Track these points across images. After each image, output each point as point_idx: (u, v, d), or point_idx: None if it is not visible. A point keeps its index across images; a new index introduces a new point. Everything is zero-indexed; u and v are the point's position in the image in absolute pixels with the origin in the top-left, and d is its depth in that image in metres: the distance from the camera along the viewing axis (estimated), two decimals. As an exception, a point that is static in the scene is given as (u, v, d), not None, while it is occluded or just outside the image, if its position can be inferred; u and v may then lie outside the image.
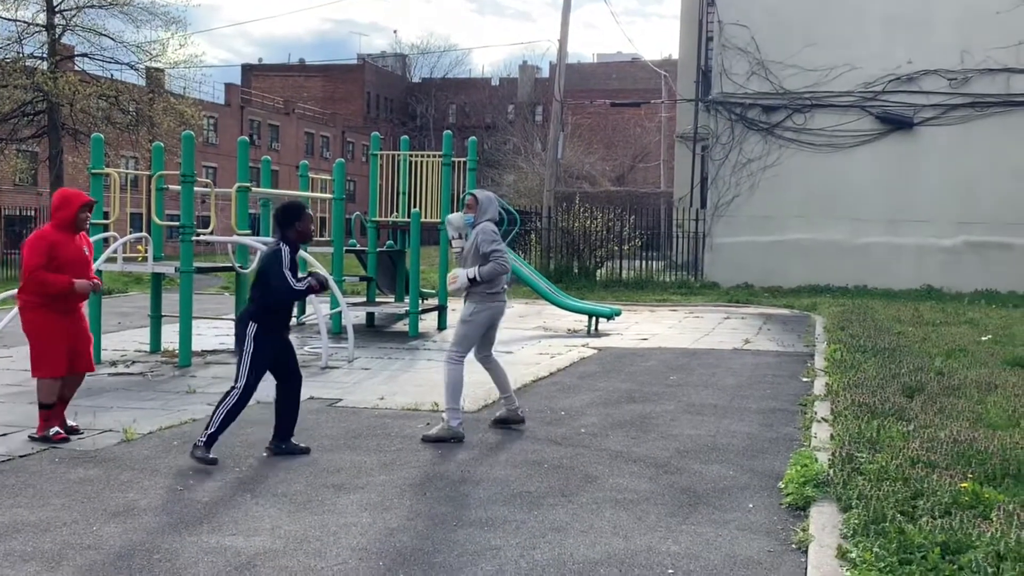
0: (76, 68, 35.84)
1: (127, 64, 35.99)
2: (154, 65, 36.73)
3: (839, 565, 4.68)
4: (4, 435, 7.59)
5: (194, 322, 12.03)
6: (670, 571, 4.79)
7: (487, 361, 8.20)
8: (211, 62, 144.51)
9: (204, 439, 6.68)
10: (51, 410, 7.43)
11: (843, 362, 10.65)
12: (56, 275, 7.29)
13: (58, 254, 7.31)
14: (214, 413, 6.75)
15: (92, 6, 34.92)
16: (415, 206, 15.68)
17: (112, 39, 35.39)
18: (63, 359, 7.46)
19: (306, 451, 7.10)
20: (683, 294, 22.96)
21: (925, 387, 8.89)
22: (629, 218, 26.93)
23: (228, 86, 66.95)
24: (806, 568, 4.77)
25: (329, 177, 16.24)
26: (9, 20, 33.96)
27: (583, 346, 13.62)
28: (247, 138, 14.09)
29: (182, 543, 5.14)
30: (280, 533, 5.32)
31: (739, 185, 24.48)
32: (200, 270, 13.04)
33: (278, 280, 6.71)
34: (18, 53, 33.69)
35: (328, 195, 16.00)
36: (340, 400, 9.24)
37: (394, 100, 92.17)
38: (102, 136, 12.97)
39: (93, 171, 12.33)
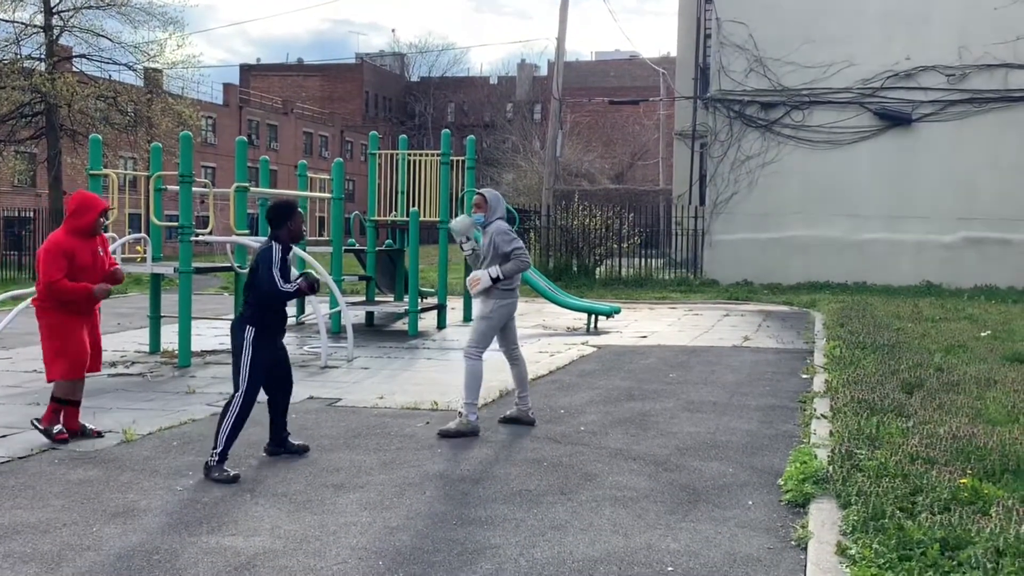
0: (74, 69, 35.80)
1: (125, 65, 36.00)
2: (152, 66, 36.72)
3: (839, 562, 4.68)
4: (4, 436, 7.59)
5: (193, 322, 12.03)
6: (670, 569, 4.79)
7: (513, 355, 8.22)
8: (209, 62, 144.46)
9: (216, 458, 6.43)
10: (63, 406, 7.43)
11: (842, 359, 10.65)
12: (75, 284, 7.29)
13: (75, 260, 7.32)
14: (219, 429, 6.50)
15: (89, 7, 34.90)
16: (414, 205, 15.68)
17: (110, 40, 35.39)
18: (85, 360, 7.47)
19: (305, 449, 7.08)
20: (682, 291, 22.96)
21: (924, 383, 8.89)
22: (628, 216, 26.91)
23: (226, 86, 66.94)
24: (806, 565, 4.77)
25: (328, 177, 16.24)
26: (7, 21, 33.95)
27: (582, 344, 13.63)
28: (245, 138, 14.09)
29: (182, 544, 5.14)
30: (280, 533, 5.32)
31: (738, 182, 24.47)
32: (199, 270, 13.04)
33: (267, 280, 6.56)
34: (16, 54, 33.66)
35: (327, 195, 16.00)
36: (340, 399, 9.24)
37: (392, 99, 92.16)
38: (100, 137, 12.97)
39: (91, 172, 12.33)
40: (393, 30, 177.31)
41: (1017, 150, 22.97)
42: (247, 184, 12.94)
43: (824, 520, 5.29)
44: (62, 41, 35.45)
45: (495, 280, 7.78)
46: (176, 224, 12.14)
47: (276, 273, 6.58)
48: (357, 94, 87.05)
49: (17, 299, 12.37)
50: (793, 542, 5.14)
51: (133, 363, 11.62)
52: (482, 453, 7.14)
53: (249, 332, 6.64)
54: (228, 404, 6.63)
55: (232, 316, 13.09)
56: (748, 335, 14.76)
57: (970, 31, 23.10)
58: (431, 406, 8.85)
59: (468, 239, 8.10)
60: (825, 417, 7.88)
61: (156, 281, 12.93)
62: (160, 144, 13.84)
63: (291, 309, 17.36)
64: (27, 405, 8.92)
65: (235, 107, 65.90)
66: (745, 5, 24.23)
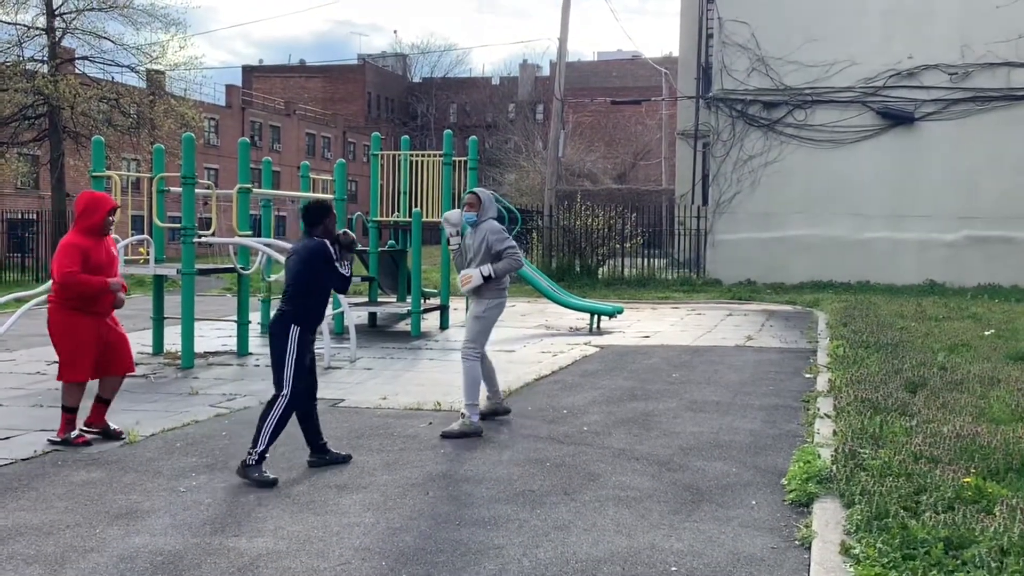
0: (76, 71, 35.83)
1: (127, 66, 36.03)
2: (154, 67, 36.73)
3: (842, 561, 4.67)
4: (7, 438, 7.60)
5: (196, 324, 12.04)
6: (673, 569, 4.79)
7: (483, 356, 8.22)
8: (211, 64, 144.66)
9: (255, 458, 6.32)
10: (74, 414, 7.42)
11: (846, 358, 10.64)
12: (91, 276, 7.28)
13: (89, 259, 7.32)
14: (261, 428, 6.41)
15: (92, 9, 34.93)
16: (416, 206, 15.68)
17: (112, 42, 35.42)
18: (89, 364, 7.44)
19: (348, 458, 6.90)
20: (685, 291, 22.95)
21: (928, 382, 8.88)
22: (631, 216, 26.91)
23: (229, 87, 67.01)
24: (809, 564, 4.76)
25: (330, 178, 16.24)
26: (9, 24, 34.00)
27: (585, 344, 13.62)
28: (248, 139, 14.09)
29: (185, 545, 5.14)
30: (283, 534, 5.32)
31: (741, 182, 24.46)
32: (202, 272, 13.05)
33: (336, 277, 6.67)
34: (18, 56, 33.70)
35: (330, 196, 15.99)
36: (343, 400, 9.24)
37: (395, 100, 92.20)
38: (103, 139, 12.98)
39: (94, 174, 12.34)
40: (395, 31, 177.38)
41: (1020, 148, 22.93)
42: (250, 185, 12.94)
43: (828, 519, 5.28)
44: (64, 43, 35.49)
45: (487, 278, 7.82)
46: (179, 226, 12.14)
47: (339, 265, 6.67)
48: (359, 95, 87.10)
49: (21, 300, 12.39)
50: (797, 542, 5.13)
51: (136, 364, 11.61)
52: (485, 454, 7.14)
53: (294, 331, 6.60)
54: (272, 404, 6.54)
55: (235, 318, 13.10)
56: (751, 335, 14.75)
57: (972, 30, 23.07)
58: (434, 407, 8.85)
59: (456, 233, 8.11)
60: (828, 416, 7.87)
61: (159, 282, 12.94)
62: (163, 146, 13.85)
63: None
64: (31, 407, 8.94)
65: (238, 108, 65.94)
66: (747, 4, 24.23)
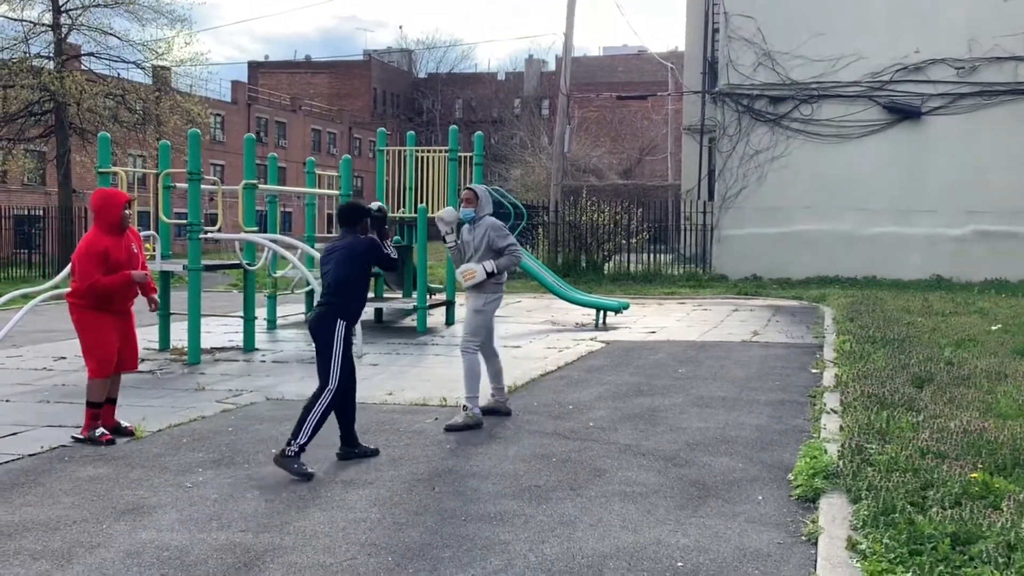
0: (82, 67, 35.87)
1: (133, 63, 36.04)
2: (160, 63, 36.77)
3: (849, 557, 4.66)
4: (13, 434, 7.62)
5: (203, 320, 12.05)
6: (679, 564, 4.78)
7: (491, 350, 8.32)
8: (217, 60, 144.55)
9: (295, 449, 6.36)
10: (100, 409, 7.45)
11: (852, 353, 10.62)
12: (113, 276, 7.31)
13: (109, 258, 7.35)
14: (304, 421, 6.44)
15: (98, 5, 34.95)
16: (422, 201, 15.68)
17: (118, 38, 35.45)
18: (113, 359, 7.48)
19: (376, 452, 6.97)
20: (691, 287, 22.92)
21: (935, 377, 8.86)
22: (636, 211, 26.89)
23: (235, 83, 67.02)
24: (816, 560, 4.75)
25: (336, 173, 16.24)
26: (15, 20, 34.04)
27: (591, 340, 13.61)
28: (254, 135, 14.10)
29: (192, 540, 5.15)
30: (289, 529, 5.33)
31: (747, 177, 24.42)
32: (208, 268, 13.06)
33: (388, 259, 6.87)
34: (25, 53, 33.74)
35: (335, 191, 16.00)
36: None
37: (400, 96, 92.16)
38: (109, 135, 13.00)
39: (100, 170, 12.36)
40: (400, 26, 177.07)
41: (1027, 143, 22.86)
42: (255, 181, 12.95)
43: (834, 515, 5.27)
44: (70, 39, 35.51)
45: (490, 275, 7.89)
46: (185, 222, 12.16)
47: (388, 250, 6.88)
48: (365, 91, 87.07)
49: (27, 297, 12.42)
50: (803, 537, 5.12)
51: (143, 360, 11.61)
52: (491, 449, 7.14)
53: (340, 325, 6.68)
54: (316, 398, 6.59)
55: (241, 313, 13.12)
56: (757, 330, 14.73)
57: (979, 24, 23.00)
58: (440, 402, 8.85)
59: (452, 231, 8.14)
60: (835, 412, 7.86)
61: (165, 278, 12.96)
62: (168, 142, 13.86)
63: (300, 306, 17.39)
64: (37, 403, 8.96)
65: (243, 104, 65.98)
66: (753, -1, 24.17)
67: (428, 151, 16.27)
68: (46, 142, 36.94)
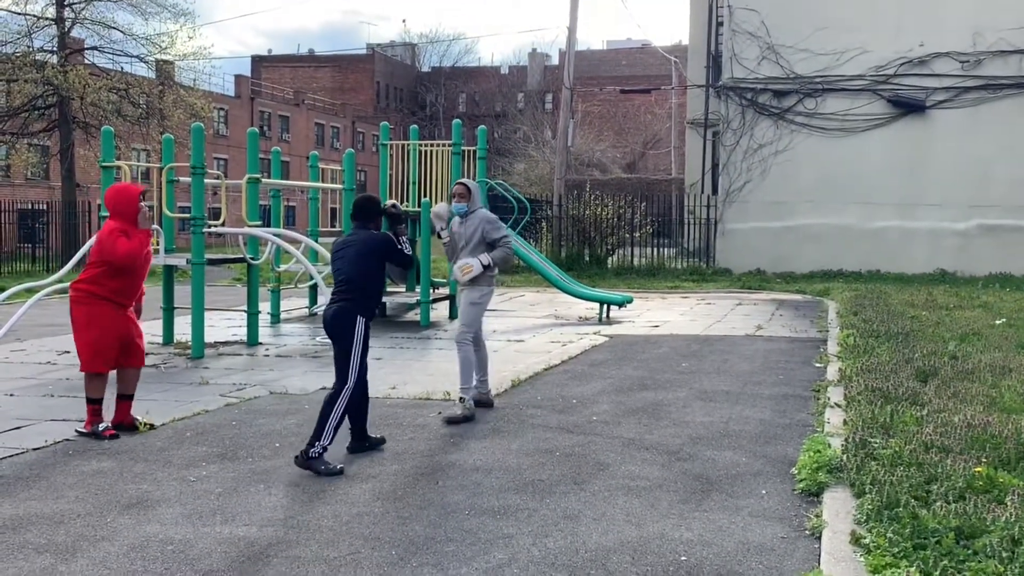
0: (86, 61, 35.84)
1: (137, 57, 36.04)
2: (163, 57, 36.75)
3: (853, 551, 4.66)
4: (17, 428, 7.63)
5: (206, 314, 12.06)
6: (683, 558, 4.78)
7: (478, 340, 8.38)
8: (220, 54, 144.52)
9: (319, 450, 6.31)
10: (99, 404, 7.44)
11: (856, 347, 10.60)
12: (131, 243, 7.29)
13: (132, 244, 7.35)
14: (326, 421, 6.40)
15: (101, -1, 34.95)
16: (425, 195, 15.67)
17: (121, 32, 35.42)
18: (112, 355, 7.43)
19: (382, 441, 7.03)
20: (695, 281, 22.91)
21: (939, 371, 8.85)
22: (640, 205, 26.87)
23: (238, 77, 67.02)
24: (820, 554, 4.75)
25: (339, 167, 16.24)
26: (19, 14, 34.03)
27: (594, 334, 13.61)
28: (257, 129, 14.09)
29: (196, 534, 5.15)
30: (293, 523, 5.33)
31: (750, 171, 24.39)
32: (211, 262, 13.07)
33: (403, 256, 6.89)
34: (28, 47, 33.72)
35: (339, 185, 16.00)
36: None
37: (404, 89, 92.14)
38: (112, 129, 13.00)
39: (104, 164, 12.36)
40: (403, 20, 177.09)
41: (1032, 137, 22.81)
42: (259, 175, 12.94)
43: (838, 509, 5.26)
44: (74, 33, 35.49)
45: (486, 267, 7.98)
46: (188, 216, 12.16)
47: (404, 247, 6.90)
48: (368, 85, 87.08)
49: (31, 291, 12.43)
50: (807, 531, 5.12)
51: (147, 355, 11.63)
52: (494, 443, 7.14)
53: (360, 322, 6.68)
54: (335, 396, 6.56)
55: (245, 307, 13.12)
56: (761, 324, 14.72)
57: (984, 17, 22.94)
58: (443, 396, 8.86)
59: (445, 226, 8.20)
60: (839, 406, 7.85)
61: (169, 272, 12.96)
62: (172, 136, 13.86)
63: (303, 300, 17.39)
64: (41, 397, 8.97)
65: (247, 98, 65.98)
66: (757, -8, 24.12)
67: (431, 145, 16.26)
68: (50, 136, 36.95)
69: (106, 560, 4.79)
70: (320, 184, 16.73)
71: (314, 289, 16.14)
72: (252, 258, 13.02)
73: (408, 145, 16.46)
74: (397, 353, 11.88)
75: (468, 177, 16.50)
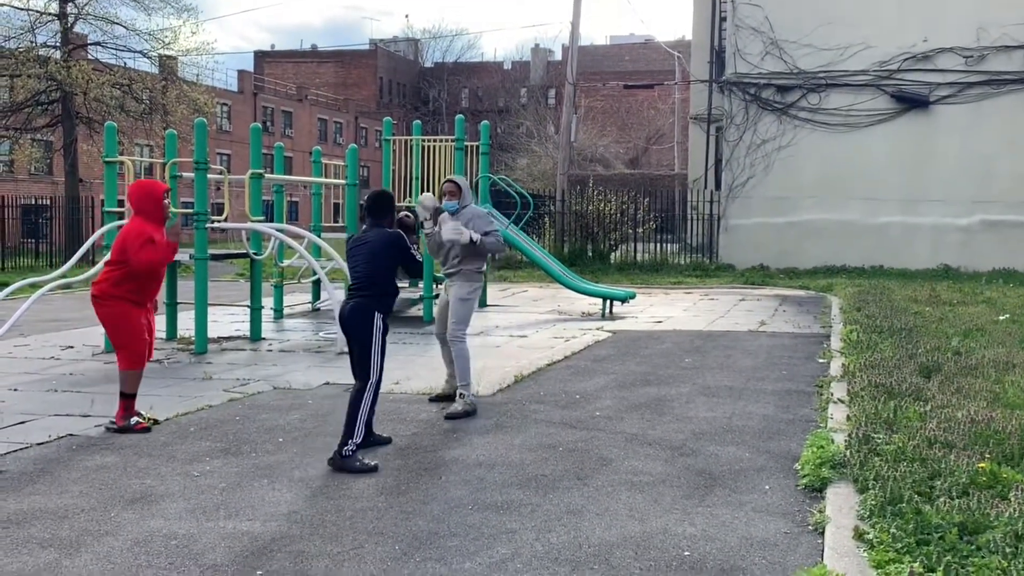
0: (89, 57, 35.84)
1: (140, 52, 36.00)
2: (166, 53, 36.73)
3: (856, 546, 4.66)
4: (22, 423, 7.64)
5: (209, 309, 12.07)
6: (686, 553, 4.79)
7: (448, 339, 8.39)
8: (223, 49, 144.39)
9: (352, 448, 6.32)
10: (134, 399, 7.48)
11: (859, 343, 10.60)
12: (158, 247, 7.36)
13: (157, 244, 7.43)
14: (355, 419, 6.41)
15: (104, -6, 34.93)
16: (428, 191, 15.65)
17: (124, 27, 35.39)
18: (145, 351, 7.54)
19: (388, 440, 7.01)
20: (698, 276, 22.89)
21: (942, 367, 8.84)
22: (643, 201, 26.85)
23: (241, 73, 67.05)
24: (823, 549, 4.75)
25: (342, 163, 16.23)
26: (22, 9, 34.02)
27: (597, 329, 13.61)
28: (260, 125, 14.09)
29: (200, 529, 5.16)
30: (297, 518, 5.34)
31: (754, 166, 24.36)
32: (215, 257, 13.07)
33: (413, 261, 6.92)
34: (31, 42, 33.71)
35: (341, 181, 15.99)
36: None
37: (407, 85, 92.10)
38: (115, 125, 13.00)
39: (107, 159, 12.37)
40: (406, 15, 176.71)
41: (1036, 132, 22.76)
42: (262, 171, 12.95)
43: (841, 505, 5.26)
44: (77, 29, 35.49)
45: (472, 243, 7.98)
46: (191, 211, 12.16)
47: (415, 253, 6.92)
48: (371, 80, 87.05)
49: (35, 286, 12.44)
50: (810, 527, 5.12)
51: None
52: (497, 438, 7.15)
53: (378, 319, 6.69)
54: (361, 394, 6.55)
55: (248, 303, 13.13)
56: (764, 320, 14.71)
57: (988, 12, 22.89)
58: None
59: (429, 218, 8.20)
60: (842, 401, 7.85)
61: (172, 268, 12.96)
62: (175, 131, 13.86)
63: (306, 295, 17.40)
64: (45, 392, 8.98)
65: (250, 94, 65.99)
66: (761, -13, 24.07)
67: (434, 140, 16.25)
68: (53, 131, 36.95)
69: (110, 555, 4.80)
70: (323, 180, 16.73)
71: (317, 285, 16.15)
72: (255, 253, 13.02)
73: (411, 141, 16.45)
74: (400, 348, 11.88)
75: (472, 173, 16.50)
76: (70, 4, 34.34)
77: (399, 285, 7.14)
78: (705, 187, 27.40)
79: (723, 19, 27.73)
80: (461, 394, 8.02)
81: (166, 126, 31.81)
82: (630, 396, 8.71)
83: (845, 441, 6.30)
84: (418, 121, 18.36)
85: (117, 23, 35.26)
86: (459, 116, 16.36)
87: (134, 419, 7.40)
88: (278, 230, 13.21)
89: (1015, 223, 22.98)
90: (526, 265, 22.63)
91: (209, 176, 12.53)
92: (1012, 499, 4.93)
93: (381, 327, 6.70)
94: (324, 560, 4.72)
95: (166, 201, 7.61)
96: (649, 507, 5.49)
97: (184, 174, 13.39)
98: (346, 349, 11.40)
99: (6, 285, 13.84)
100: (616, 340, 12.56)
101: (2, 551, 4.84)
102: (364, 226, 7.04)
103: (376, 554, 4.80)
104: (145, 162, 16.99)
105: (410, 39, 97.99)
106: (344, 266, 12.78)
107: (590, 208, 25.64)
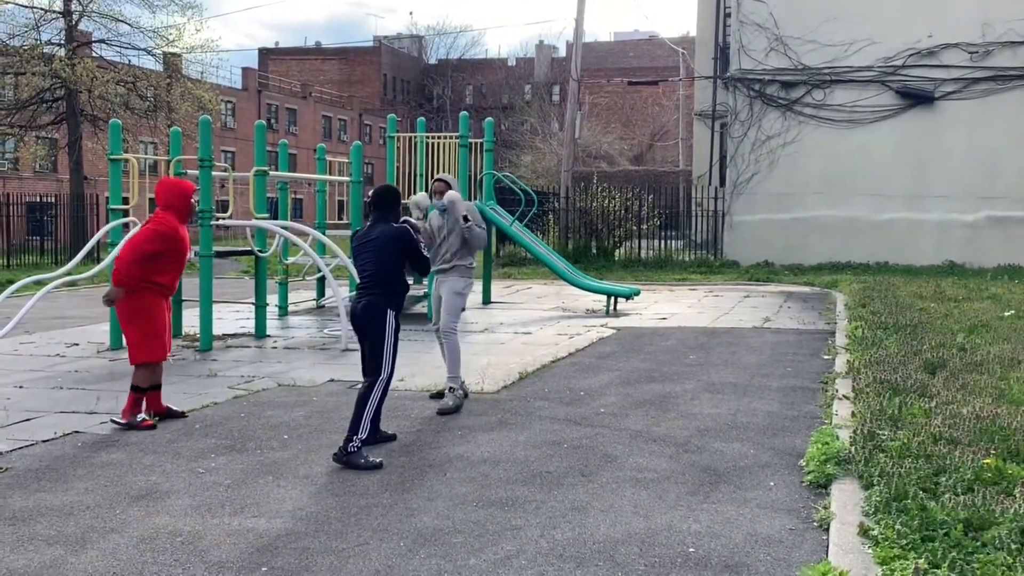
0: (93, 54, 35.89)
1: (144, 50, 36.04)
2: (171, 50, 36.77)
3: (861, 542, 4.66)
4: (27, 420, 7.66)
5: (214, 306, 12.08)
6: (691, 550, 4.79)
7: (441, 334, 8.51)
8: (227, 47, 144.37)
9: (358, 444, 6.31)
10: (142, 394, 7.50)
11: (864, 339, 10.59)
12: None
13: (178, 240, 7.53)
14: (362, 415, 6.41)
15: (108, -9, 34.97)
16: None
17: (129, 25, 35.44)
18: (164, 343, 7.60)
19: (393, 437, 7.03)
20: (702, 273, 22.87)
21: (947, 363, 8.83)
22: (648, 197, 26.82)
23: (245, 70, 67.02)
24: (828, 546, 4.75)
25: (347, 160, 16.24)
26: (26, 7, 34.07)
27: (602, 326, 13.60)
28: (264, 122, 14.10)
29: (205, 526, 5.17)
30: (302, 515, 5.35)
31: (758, 162, 24.32)
32: (219, 254, 13.09)
33: (422, 258, 6.95)
34: (36, 40, 33.77)
35: (346, 178, 15.99)
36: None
37: (411, 82, 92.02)
38: (120, 122, 13.02)
39: (112, 157, 12.39)
40: (410, 12, 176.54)
41: (1041, 128, 22.69)
42: (266, 168, 12.96)
43: (846, 501, 5.26)
44: (81, 26, 35.52)
45: (464, 219, 8.13)
46: (196, 208, 12.16)
47: (423, 250, 6.95)
48: (375, 77, 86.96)
49: (40, 283, 12.47)
50: (815, 523, 5.12)
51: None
52: (502, 435, 7.15)
53: (390, 317, 6.71)
54: (370, 390, 6.56)
55: (253, 300, 13.14)
56: (769, 316, 14.69)
57: (993, 8, 22.82)
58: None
59: (422, 217, 8.33)
60: (847, 398, 7.84)
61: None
62: (180, 129, 13.88)
63: (311, 292, 17.41)
64: (50, 389, 9.00)
65: (254, 91, 65.99)
66: (765, -17, 24.03)
67: (438, 137, 16.25)
68: (57, 129, 37.01)
69: (115, 551, 4.81)
70: (327, 176, 16.73)
71: (322, 281, 16.16)
72: (260, 251, 13.03)
73: (415, 137, 16.46)
74: (405, 345, 11.84)
75: (477, 170, 16.49)
76: (74, 2, 34.38)
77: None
78: (709, 183, 27.35)
79: (727, 15, 27.67)
80: (451, 388, 8.14)
81: (170, 123, 31.85)
82: (634, 393, 8.71)
83: (850, 437, 6.30)
84: (422, 118, 18.36)
85: (121, 20, 35.33)
86: (463, 113, 16.35)
87: (140, 416, 7.41)
88: (282, 227, 13.22)
89: (1021, 219, 22.93)
90: (530, 262, 22.63)
91: (213, 173, 12.54)
92: (1017, 495, 4.93)
93: (393, 324, 6.71)
94: (329, 557, 4.72)
95: (195, 199, 7.68)
96: (654, 504, 5.49)
97: (189, 171, 13.40)
98: (352, 346, 11.46)
99: (11, 283, 13.87)
100: (620, 337, 12.56)
101: (8, 548, 4.86)
102: (368, 221, 7.04)
103: (381, 550, 4.80)
104: (150, 159, 17.01)
105: (414, 36, 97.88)
106: (348, 263, 12.82)
107: (594, 205, 25.62)
